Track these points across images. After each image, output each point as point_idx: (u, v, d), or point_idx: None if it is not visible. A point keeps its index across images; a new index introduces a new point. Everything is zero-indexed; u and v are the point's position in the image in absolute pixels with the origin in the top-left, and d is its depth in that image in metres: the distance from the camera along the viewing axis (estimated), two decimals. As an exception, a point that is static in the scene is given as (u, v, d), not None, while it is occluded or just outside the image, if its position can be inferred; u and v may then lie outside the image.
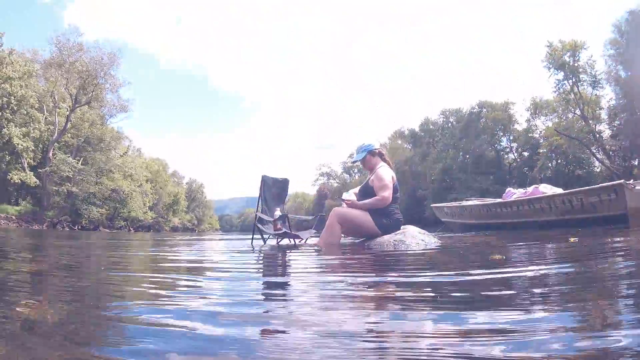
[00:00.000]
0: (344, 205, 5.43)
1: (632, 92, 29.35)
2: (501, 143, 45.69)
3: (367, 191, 5.31)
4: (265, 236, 6.48)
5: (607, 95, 33.80)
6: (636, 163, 31.52)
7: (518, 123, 43.70)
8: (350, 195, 5.56)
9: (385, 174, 5.18)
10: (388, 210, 5.16)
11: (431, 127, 52.17)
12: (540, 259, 3.20)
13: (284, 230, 6.02)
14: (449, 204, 12.46)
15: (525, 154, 42.76)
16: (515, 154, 44.61)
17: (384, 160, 5.54)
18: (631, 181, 7.12)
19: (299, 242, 6.25)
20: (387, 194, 5.02)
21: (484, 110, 44.52)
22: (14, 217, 32.26)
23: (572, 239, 4.09)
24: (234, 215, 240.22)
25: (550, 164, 39.09)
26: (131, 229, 48.33)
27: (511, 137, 44.40)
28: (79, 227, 38.48)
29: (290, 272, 3.30)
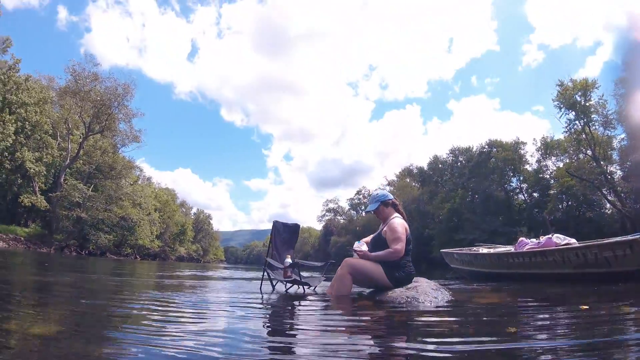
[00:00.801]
0: (356, 255, 5.30)
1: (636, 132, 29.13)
2: (511, 183, 45.29)
3: (379, 242, 5.24)
4: (274, 282, 6.41)
5: (619, 136, 33.45)
6: (649, 205, 30.99)
7: (528, 163, 43.39)
8: (362, 245, 5.41)
9: (399, 225, 5.08)
10: (400, 262, 5.06)
11: (440, 165, 52.06)
12: (551, 330, 3.13)
13: (293, 277, 5.95)
14: (458, 251, 12.17)
15: (535, 194, 42.36)
16: (525, 195, 44.12)
17: (398, 211, 5.45)
18: None
19: (308, 289, 6.13)
20: (400, 246, 4.93)
21: (494, 149, 44.19)
22: (22, 239, 32.41)
23: (583, 307, 3.97)
24: (239, 247, 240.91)
25: (560, 206, 38.52)
26: (137, 256, 48.42)
27: (521, 178, 43.97)
28: (87, 252, 38.69)
29: (295, 331, 3.20)
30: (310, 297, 5.28)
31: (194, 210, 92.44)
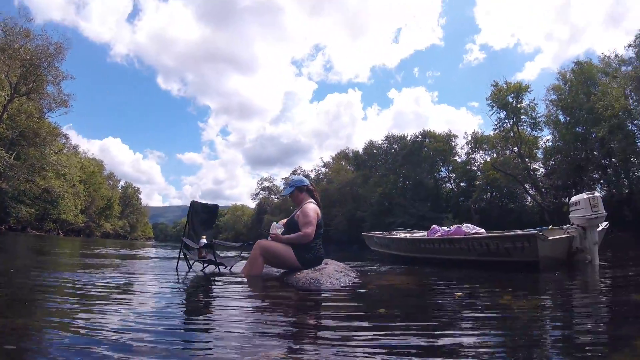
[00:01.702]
0: (270, 237, 5.51)
1: (568, 137, 31.24)
2: (440, 172, 46.69)
3: (292, 225, 5.45)
4: (191, 262, 6.42)
5: (545, 137, 35.84)
6: (567, 201, 32.84)
7: (458, 155, 44.96)
8: (277, 227, 5.64)
9: (311, 210, 5.33)
10: (310, 245, 5.31)
11: (375, 151, 52.73)
12: (421, 313, 3.36)
13: (208, 257, 6.15)
14: (378, 234, 12.30)
15: (463, 184, 43.96)
16: (453, 184, 45.65)
17: (313, 197, 5.69)
18: (543, 231, 7.46)
19: (224, 269, 6.30)
20: (310, 230, 5.19)
21: (427, 140, 45.34)
22: None
23: (457, 294, 4.27)
24: (169, 224, 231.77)
25: (485, 196, 40.34)
26: (60, 232, 46.18)
27: (450, 168, 45.43)
28: (7, 227, 36.50)
29: (196, 311, 3.40)
30: (223, 277, 5.48)
31: (122, 183, 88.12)
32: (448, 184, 46.50)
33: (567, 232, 7.04)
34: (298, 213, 5.45)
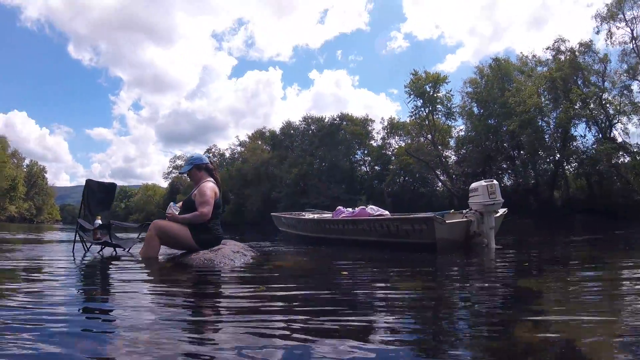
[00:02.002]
0: (166, 217, 5.41)
1: (481, 128, 32.73)
2: (356, 155, 47.34)
3: (189, 205, 5.34)
4: (88, 244, 6.28)
5: (458, 127, 37.50)
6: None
7: (374, 139, 45.75)
8: (175, 207, 5.54)
9: (209, 189, 5.22)
10: (208, 226, 5.24)
11: (292, 131, 52.18)
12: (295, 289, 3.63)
13: (103, 239, 5.94)
14: (285, 215, 12.73)
15: (377, 168, 44.72)
16: (368, 168, 46.43)
17: (212, 176, 5.59)
18: (445, 215, 7.92)
19: (123, 251, 6.19)
20: (207, 210, 5.08)
21: (344, 122, 45.79)
22: None
23: (343, 273, 4.49)
24: (77, 205, 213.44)
25: (398, 180, 41.62)
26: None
27: (366, 151, 46.16)
28: None
29: (81, 295, 3.39)
30: (119, 260, 5.42)
31: (27, 161, 79.98)
32: (363, 167, 47.17)
33: (466, 217, 7.35)
34: (195, 192, 5.34)
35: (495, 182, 7.10)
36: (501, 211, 7.59)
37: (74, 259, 5.52)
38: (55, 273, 4.39)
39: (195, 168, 5.51)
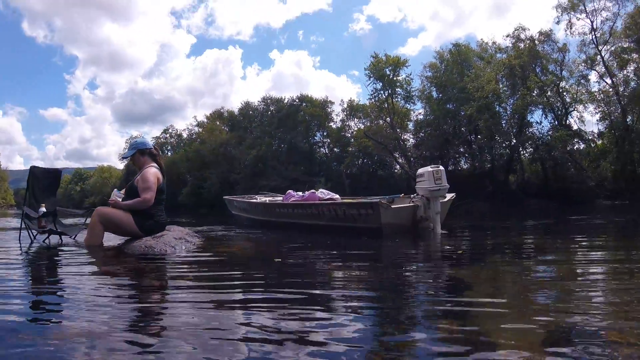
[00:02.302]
0: (110, 204, 5.38)
1: (440, 111, 32.66)
2: (315, 137, 46.74)
3: (132, 191, 5.32)
4: (34, 233, 6.17)
5: (417, 110, 37.52)
6: (432, 170, 34.57)
7: (333, 121, 45.17)
8: (119, 194, 5.54)
9: (151, 175, 5.20)
10: (151, 212, 5.24)
11: (251, 112, 51.35)
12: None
13: (48, 227, 5.88)
14: (237, 199, 12.83)
15: (336, 150, 44.24)
16: (327, 149, 45.97)
17: (156, 161, 5.54)
18: (395, 199, 8.46)
19: (70, 238, 6.12)
20: (150, 196, 5.08)
21: (304, 104, 45.05)
22: None
23: (275, 260, 4.59)
24: None
25: (357, 162, 41.37)
26: None
27: (325, 133, 45.59)
28: None
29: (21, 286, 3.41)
30: (64, 248, 5.39)
31: None
32: (322, 149, 46.66)
33: (413, 201, 7.55)
34: (138, 178, 5.28)
35: (441, 168, 7.32)
36: (449, 196, 7.86)
37: (20, 248, 5.50)
38: None
39: (139, 153, 5.45)
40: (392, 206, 7.18)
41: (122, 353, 1.83)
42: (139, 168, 5.48)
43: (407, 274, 3.96)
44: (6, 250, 5.40)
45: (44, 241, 6.01)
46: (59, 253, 5.11)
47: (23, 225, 6.20)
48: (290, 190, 10.68)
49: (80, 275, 3.72)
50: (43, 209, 5.84)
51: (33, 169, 6.41)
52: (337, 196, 9.32)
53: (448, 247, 5.98)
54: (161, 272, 3.99)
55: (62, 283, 3.51)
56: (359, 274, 3.99)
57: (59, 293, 3.10)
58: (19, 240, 6.14)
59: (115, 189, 5.72)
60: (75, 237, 6.06)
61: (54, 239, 6.13)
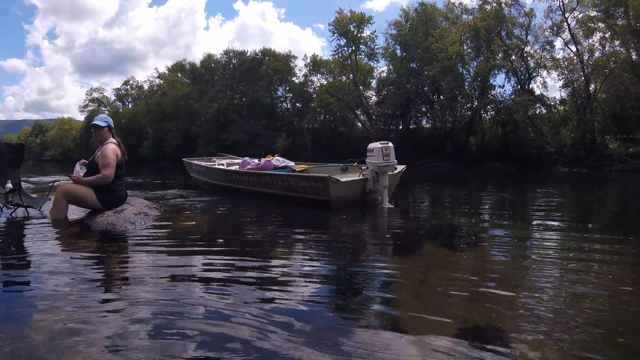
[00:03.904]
0: (73, 180, 5.57)
1: (403, 70, 31.63)
2: (277, 92, 44.83)
3: (92, 166, 5.49)
4: (0, 205, 6.24)
5: (380, 68, 36.40)
6: (394, 128, 33.98)
7: (296, 76, 43.11)
8: (80, 169, 5.90)
9: (110, 151, 5.33)
10: (111, 187, 5.42)
11: (213, 65, 48.53)
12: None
13: (15, 201, 6.01)
14: (197, 162, 12.59)
15: (299, 105, 42.56)
16: (289, 104, 44.18)
17: (114, 137, 5.68)
18: (348, 168, 9.09)
19: (35, 211, 6.20)
20: (110, 172, 5.26)
21: (267, 58, 42.74)
22: None
23: (219, 240, 4.57)
24: None
25: (318, 118, 40.23)
26: None
27: (287, 88, 43.61)
28: None
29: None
30: (31, 222, 5.56)
31: None
32: (284, 104, 44.85)
33: (363, 175, 7.67)
34: (98, 154, 5.43)
35: (390, 144, 7.29)
36: (399, 168, 7.91)
37: None
38: None
39: (108, 128, 5.55)
40: (342, 180, 7.32)
41: (84, 312, 2.25)
42: (100, 142, 5.55)
43: (335, 259, 3.94)
44: None
45: (10, 214, 6.11)
46: (27, 226, 5.31)
47: None
48: (246, 157, 10.73)
49: (47, 249, 3.92)
50: (10, 185, 5.93)
51: None
52: (292, 164, 9.59)
53: (385, 227, 6.07)
54: (122, 252, 4.09)
55: (31, 255, 3.76)
56: (295, 257, 4.02)
57: (27, 263, 3.50)
58: None
59: (78, 163, 6.06)
60: (40, 209, 6.18)
61: (19, 211, 6.25)
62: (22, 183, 6.97)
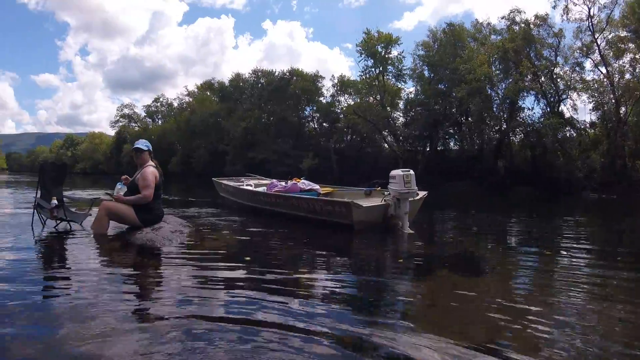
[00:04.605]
0: (114, 199, 6.03)
1: (431, 91, 31.61)
2: (305, 111, 45.14)
3: (133, 187, 5.93)
4: (44, 218, 6.62)
5: (408, 89, 36.32)
6: (421, 150, 33.94)
7: (323, 96, 43.45)
8: (121, 188, 6.33)
9: (150, 174, 5.78)
10: (150, 206, 5.86)
11: (241, 84, 49.56)
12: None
13: (60, 216, 6.31)
14: (226, 182, 12.94)
15: (325, 125, 42.89)
16: (316, 124, 44.51)
17: (153, 160, 6.10)
18: (368, 191, 9.34)
19: (78, 224, 6.49)
20: (149, 193, 5.70)
21: (294, 78, 43.18)
22: None
23: (247, 258, 4.83)
24: (23, 153, 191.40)
25: (345, 138, 40.35)
26: None
27: (314, 108, 43.94)
28: None
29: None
30: (74, 234, 6.02)
31: None
32: (311, 124, 45.21)
33: (385, 200, 7.79)
34: (138, 176, 5.86)
35: (411, 172, 7.51)
36: (421, 194, 8.09)
37: (33, 235, 6.06)
38: (16, 248, 4.91)
39: (148, 152, 6.01)
40: (364, 205, 7.50)
41: (120, 322, 2.43)
42: (140, 165, 5.99)
43: (348, 281, 4.08)
44: (23, 236, 5.95)
45: (54, 227, 6.47)
46: (71, 239, 5.70)
47: (35, 214, 6.68)
48: (274, 180, 11.23)
49: (92, 266, 4.15)
50: (55, 202, 6.21)
51: (43, 165, 7.13)
52: (317, 187, 9.99)
53: (400, 252, 6.13)
54: (162, 266, 4.38)
55: (74, 266, 4.07)
56: (321, 278, 4.19)
57: (70, 273, 3.80)
58: (32, 226, 6.59)
59: (119, 183, 6.51)
60: (82, 223, 6.49)
61: (62, 225, 6.58)
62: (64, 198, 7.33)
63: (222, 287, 3.50)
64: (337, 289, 3.59)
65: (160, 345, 2.16)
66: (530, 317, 2.85)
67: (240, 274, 3.99)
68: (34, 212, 6.80)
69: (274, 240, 6.71)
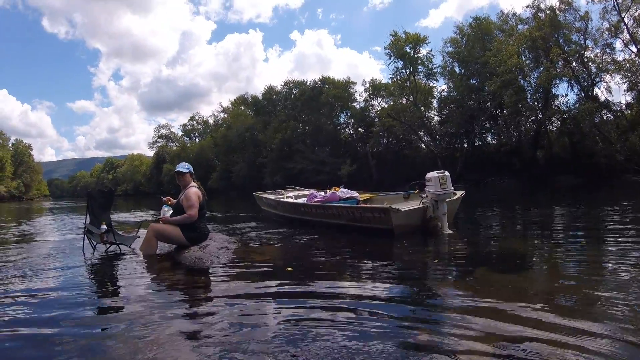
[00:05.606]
0: (160, 220, 6.39)
1: (464, 87, 32.04)
2: (339, 118, 46.06)
3: (178, 208, 6.20)
4: (94, 244, 6.90)
5: (440, 87, 36.70)
6: (458, 147, 34.47)
7: (357, 101, 44.30)
8: (167, 211, 6.60)
9: (193, 194, 6.02)
10: (195, 225, 6.08)
11: (274, 96, 51.04)
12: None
13: (110, 240, 6.61)
14: (266, 196, 13.17)
15: (361, 130, 43.59)
16: (352, 130, 45.21)
17: (195, 181, 6.35)
18: (406, 195, 9.37)
19: (126, 247, 6.82)
20: (194, 212, 5.94)
21: (326, 86, 44.35)
22: None
23: (289, 269, 4.97)
24: (64, 179, 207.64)
25: (381, 142, 40.91)
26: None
27: (349, 114, 44.83)
28: None
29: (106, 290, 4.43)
30: (124, 256, 6.23)
31: (12, 140, 78.91)
32: (347, 130, 45.90)
33: (423, 203, 7.91)
34: (182, 197, 6.15)
35: (446, 173, 7.64)
36: (458, 194, 8.37)
37: (85, 259, 6.29)
38: (70, 272, 5.15)
39: (189, 174, 6.29)
40: (403, 209, 7.63)
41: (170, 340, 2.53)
42: (183, 186, 6.28)
43: (391, 285, 4.14)
44: (75, 259, 6.23)
45: (105, 251, 6.71)
46: (121, 263, 5.86)
47: (85, 239, 6.90)
48: (313, 191, 11.51)
49: (145, 285, 4.49)
50: (104, 227, 6.55)
51: (91, 193, 7.42)
52: (356, 194, 10.07)
53: (445, 252, 6.25)
54: (212, 283, 4.57)
55: (126, 288, 4.26)
56: (364, 284, 4.24)
57: (123, 294, 4.01)
58: (83, 250, 6.83)
59: (164, 206, 6.92)
60: (131, 246, 6.83)
61: (112, 248, 6.81)
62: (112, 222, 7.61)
63: (272, 300, 3.60)
64: (382, 295, 3.67)
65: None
66: (578, 317, 2.73)
67: (287, 287, 4.06)
68: (84, 237, 7.03)
69: (317, 250, 6.72)
